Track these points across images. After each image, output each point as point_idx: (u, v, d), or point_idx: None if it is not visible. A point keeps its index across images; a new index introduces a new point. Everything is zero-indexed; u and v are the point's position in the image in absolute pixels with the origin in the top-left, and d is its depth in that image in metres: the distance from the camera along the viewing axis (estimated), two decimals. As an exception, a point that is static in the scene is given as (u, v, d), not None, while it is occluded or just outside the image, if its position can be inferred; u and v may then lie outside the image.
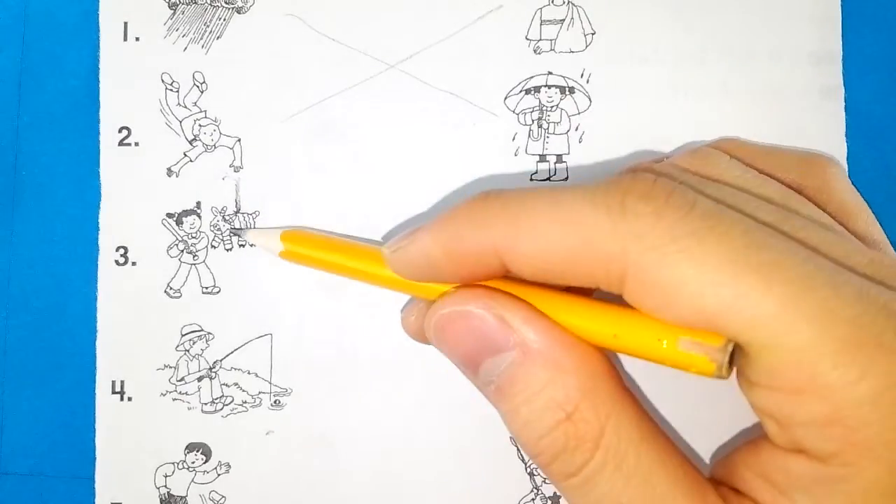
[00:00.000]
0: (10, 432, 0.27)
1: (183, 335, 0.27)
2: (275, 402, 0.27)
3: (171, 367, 0.27)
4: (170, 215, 0.27)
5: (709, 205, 0.17)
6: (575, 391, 0.18)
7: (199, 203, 0.27)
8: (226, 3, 0.28)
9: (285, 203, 0.27)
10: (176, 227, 0.27)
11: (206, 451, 0.27)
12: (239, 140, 0.27)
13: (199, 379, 0.27)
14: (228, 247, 0.27)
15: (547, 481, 0.26)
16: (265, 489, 0.27)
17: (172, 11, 0.28)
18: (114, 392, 0.27)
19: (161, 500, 0.27)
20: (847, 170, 0.26)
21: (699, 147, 0.23)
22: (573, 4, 0.27)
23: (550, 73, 0.27)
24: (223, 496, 0.27)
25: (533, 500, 0.26)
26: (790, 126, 0.26)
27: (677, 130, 0.26)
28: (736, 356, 0.17)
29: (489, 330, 0.19)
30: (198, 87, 0.28)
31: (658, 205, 0.17)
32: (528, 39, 0.27)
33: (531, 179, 0.27)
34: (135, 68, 0.28)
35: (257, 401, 0.27)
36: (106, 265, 0.27)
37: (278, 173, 0.27)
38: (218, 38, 0.28)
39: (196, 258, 0.27)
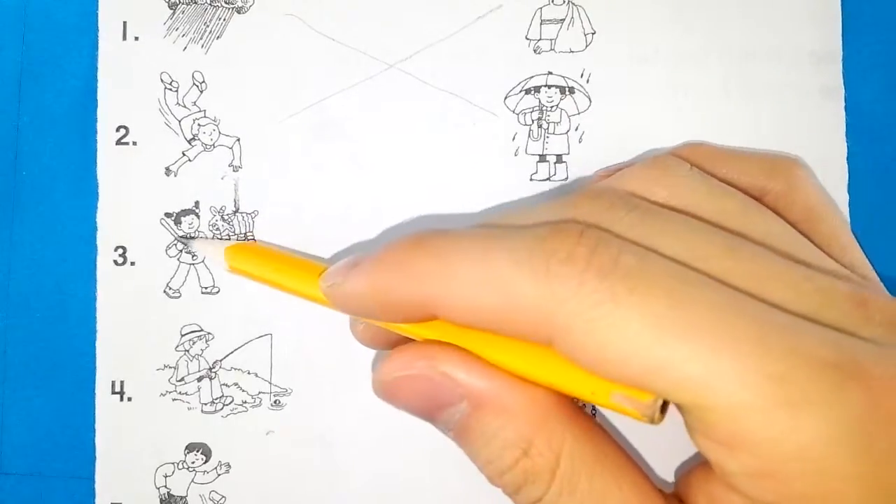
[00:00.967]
0: (9, 432, 0.27)
1: (183, 335, 0.27)
2: (275, 402, 0.27)
3: (170, 368, 0.27)
4: (168, 215, 0.27)
5: (631, 262, 0.17)
6: (527, 429, 0.18)
7: (197, 203, 0.27)
8: (226, 2, 0.28)
9: (284, 203, 0.27)
10: (174, 227, 0.27)
11: (206, 451, 0.27)
12: (238, 139, 0.27)
13: (199, 379, 0.27)
14: (228, 247, 0.27)
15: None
16: (265, 489, 0.27)
17: (172, 11, 0.28)
18: (114, 392, 0.27)
19: (161, 500, 0.27)
20: (847, 170, 0.26)
21: (659, 156, 0.22)
22: (573, 4, 0.27)
23: (550, 72, 0.27)
24: (223, 496, 0.27)
25: (533, 499, 0.26)
26: (790, 126, 0.26)
27: (677, 130, 0.26)
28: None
29: (436, 389, 0.19)
30: (197, 86, 0.28)
31: (579, 268, 0.17)
32: (528, 39, 0.27)
33: (531, 179, 0.27)
34: (134, 68, 0.28)
35: (257, 401, 0.27)
36: (105, 265, 0.27)
37: (277, 173, 0.27)
38: (218, 37, 0.28)
39: (195, 258, 0.27)
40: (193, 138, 0.28)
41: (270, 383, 0.27)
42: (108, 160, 0.27)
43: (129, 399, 0.27)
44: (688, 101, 0.27)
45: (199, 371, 0.27)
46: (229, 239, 0.27)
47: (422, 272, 0.18)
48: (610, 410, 0.18)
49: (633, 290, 0.16)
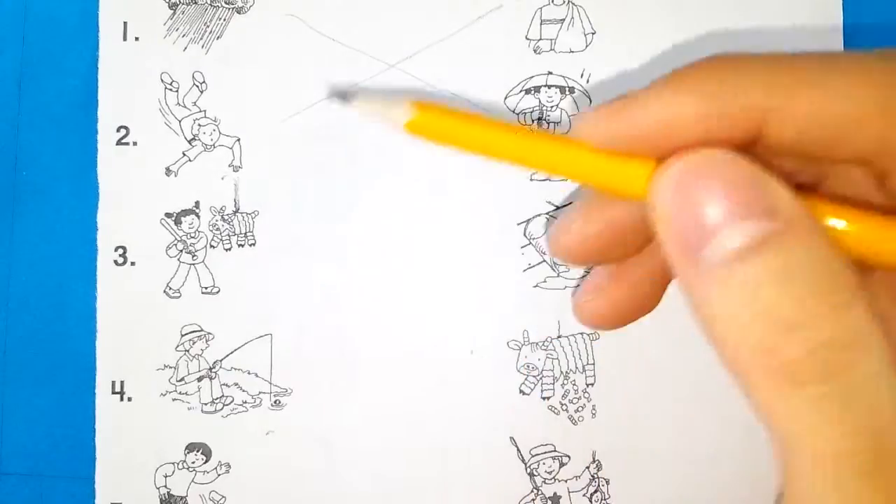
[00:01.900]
0: (9, 432, 0.27)
1: (183, 335, 0.27)
2: (275, 402, 0.27)
3: (170, 368, 0.27)
4: (168, 215, 0.27)
5: None
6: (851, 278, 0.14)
7: (197, 202, 0.27)
8: (226, 3, 0.28)
9: (284, 203, 0.27)
10: (175, 227, 0.27)
11: (206, 451, 0.27)
12: (238, 140, 0.27)
13: (199, 379, 0.27)
14: (228, 246, 0.27)
15: (547, 482, 0.26)
16: (265, 489, 0.27)
17: (172, 11, 0.28)
18: (114, 392, 0.27)
19: (161, 500, 0.27)
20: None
21: None
22: (573, 4, 0.27)
23: (550, 72, 0.27)
24: (223, 496, 0.27)
25: (533, 500, 0.26)
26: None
27: (677, 130, 0.26)
28: None
29: (744, 188, 0.15)
30: (197, 86, 0.28)
31: None
32: (528, 39, 0.27)
33: (531, 179, 0.27)
34: (134, 68, 0.28)
35: (257, 401, 0.27)
36: (105, 265, 0.27)
37: (277, 173, 0.27)
38: (218, 38, 0.28)
39: (195, 258, 0.27)
40: (194, 138, 0.28)
41: (270, 383, 0.27)
42: (109, 160, 0.27)
43: (129, 399, 0.27)
44: (688, 101, 0.27)
45: (199, 371, 0.27)
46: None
47: (763, 81, 0.15)
48: None
49: None
